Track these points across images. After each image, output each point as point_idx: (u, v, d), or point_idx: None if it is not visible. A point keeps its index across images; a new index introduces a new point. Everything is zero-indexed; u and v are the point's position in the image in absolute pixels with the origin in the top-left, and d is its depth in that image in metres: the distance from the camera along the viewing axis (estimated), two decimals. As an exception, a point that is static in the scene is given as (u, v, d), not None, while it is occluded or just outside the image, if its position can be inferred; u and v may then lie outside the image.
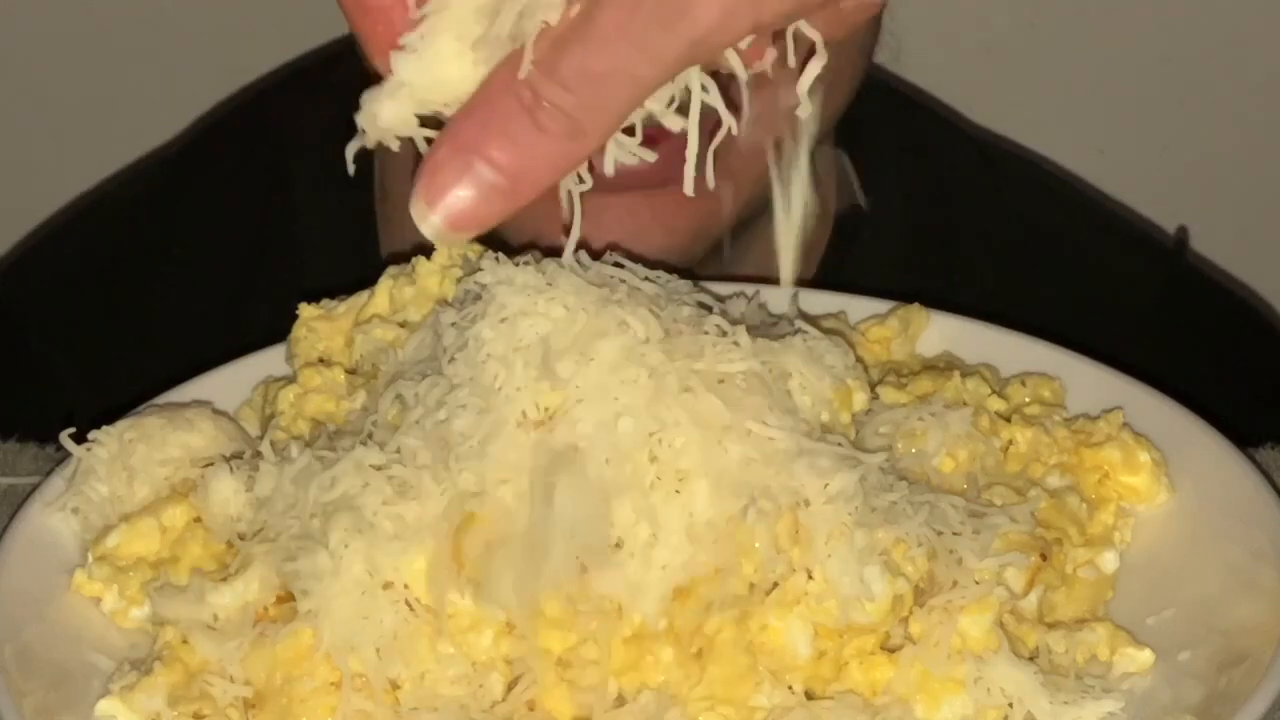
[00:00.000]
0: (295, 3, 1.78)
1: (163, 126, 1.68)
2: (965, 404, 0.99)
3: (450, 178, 0.73)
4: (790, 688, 0.85)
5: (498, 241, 1.04)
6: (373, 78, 0.79)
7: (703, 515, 0.85)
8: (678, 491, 0.85)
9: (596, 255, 0.92)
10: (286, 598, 0.88)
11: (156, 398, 1.04)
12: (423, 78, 0.78)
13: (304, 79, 1.52)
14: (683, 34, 0.69)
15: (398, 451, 0.88)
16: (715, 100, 0.79)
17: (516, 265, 0.90)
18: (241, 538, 0.92)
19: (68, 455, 0.98)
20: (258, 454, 0.95)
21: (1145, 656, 0.88)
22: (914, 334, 1.10)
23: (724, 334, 0.89)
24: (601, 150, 0.77)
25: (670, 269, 0.95)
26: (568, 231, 0.92)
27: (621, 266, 0.92)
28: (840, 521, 0.85)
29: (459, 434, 0.87)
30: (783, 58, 0.78)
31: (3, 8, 1.86)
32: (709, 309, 0.93)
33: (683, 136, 0.80)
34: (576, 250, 0.90)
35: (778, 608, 0.85)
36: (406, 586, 0.86)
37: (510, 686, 0.86)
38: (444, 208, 0.73)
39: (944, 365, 1.07)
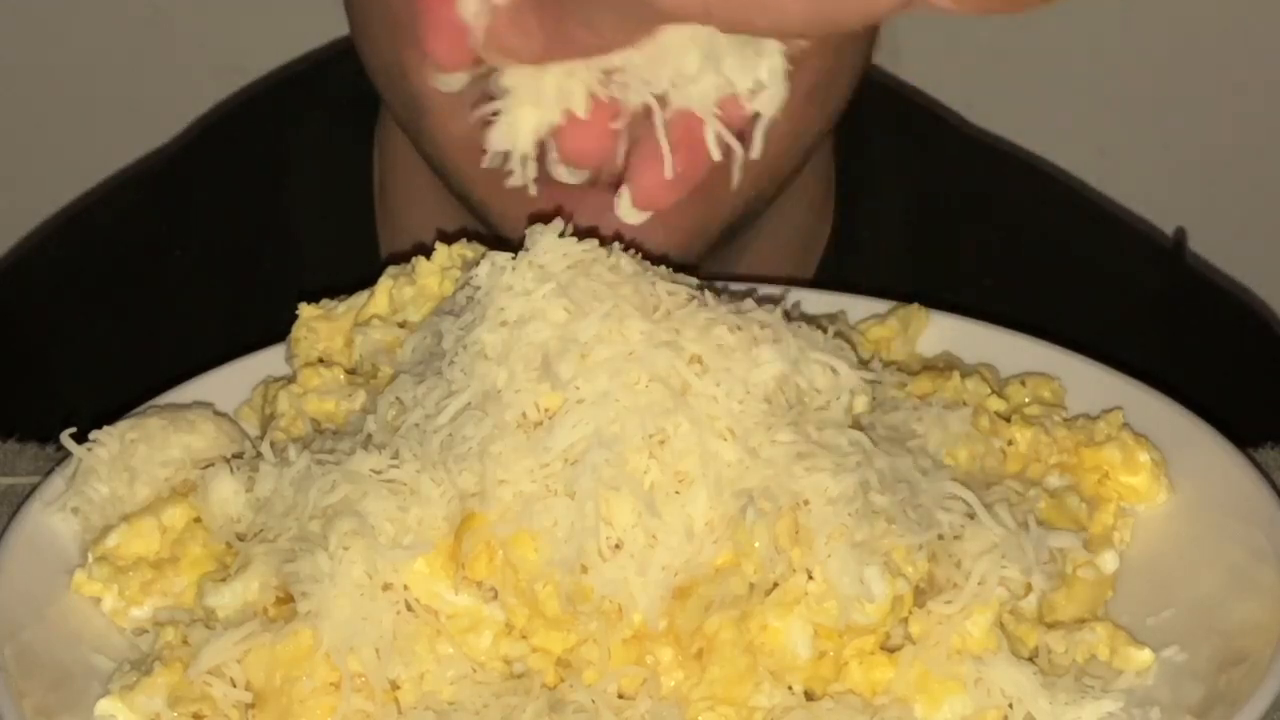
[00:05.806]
0: (294, 4, 1.78)
1: (162, 127, 1.67)
2: (965, 404, 0.99)
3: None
4: (790, 688, 0.85)
5: (498, 240, 1.04)
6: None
7: (702, 516, 0.85)
8: (677, 492, 0.85)
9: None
10: (286, 599, 0.88)
11: (157, 398, 1.04)
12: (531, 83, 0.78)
13: (304, 80, 1.52)
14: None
15: (397, 454, 0.88)
16: None
17: (516, 268, 0.90)
18: (241, 538, 0.92)
19: (68, 455, 0.98)
20: (258, 455, 0.95)
21: (1145, 656, 0.88)
22: (913, 334, 1.10)
23: (725, 335, 0.89)
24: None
25: (670, 266, 0.94)
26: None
27: (629, 250, 0.92)
28: (840, 522, 0.85)
29: (459, 436, 0.87)
30: None
31: (3, 8, 1.85)
32: (710, 309, 0.92)
33: None
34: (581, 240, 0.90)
35: (778, 608, 0.85)
36: (406, 588, 0.86)
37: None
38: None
39: (944, 365, 1.07)
